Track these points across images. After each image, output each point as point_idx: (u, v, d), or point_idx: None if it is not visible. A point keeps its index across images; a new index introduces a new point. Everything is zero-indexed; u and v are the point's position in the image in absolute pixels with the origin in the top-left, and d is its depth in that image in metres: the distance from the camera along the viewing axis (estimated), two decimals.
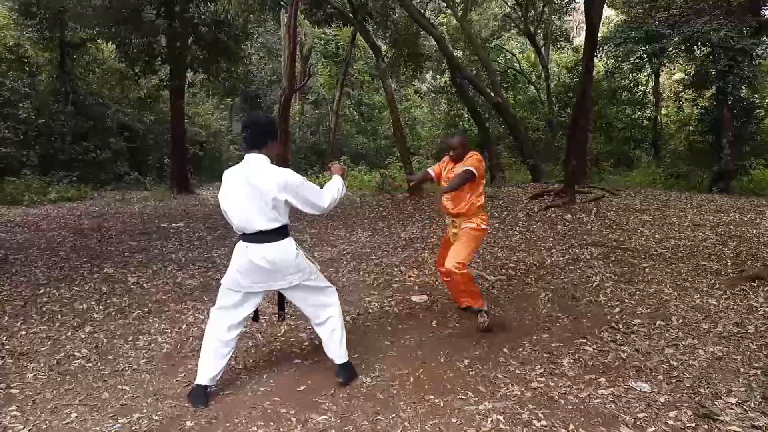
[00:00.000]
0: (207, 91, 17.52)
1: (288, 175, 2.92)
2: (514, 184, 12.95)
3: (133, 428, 2.76)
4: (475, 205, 4.06)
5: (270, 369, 3.46)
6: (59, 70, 16.16)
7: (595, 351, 3.62)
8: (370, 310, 4.57)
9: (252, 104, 25.25)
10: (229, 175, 3.00)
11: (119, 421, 2.85)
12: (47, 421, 2.84)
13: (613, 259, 5.97)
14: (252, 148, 2.96)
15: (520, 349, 3.69)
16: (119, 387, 3.26)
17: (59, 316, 4.55)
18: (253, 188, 2.86)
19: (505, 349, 3.68)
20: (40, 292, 5.22)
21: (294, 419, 2.83)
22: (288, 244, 3.00)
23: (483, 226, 4.13)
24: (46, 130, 15.44)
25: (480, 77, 17.42)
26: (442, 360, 3.54)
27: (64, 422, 2.83)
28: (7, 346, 3.84)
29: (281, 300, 3.40)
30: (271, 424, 2.80)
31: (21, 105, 14.72)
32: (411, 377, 3.29)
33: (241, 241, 3.00)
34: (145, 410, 2.96)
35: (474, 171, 3.93)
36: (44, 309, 4.71)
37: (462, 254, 3.97)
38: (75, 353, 3.76)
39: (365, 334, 4.06)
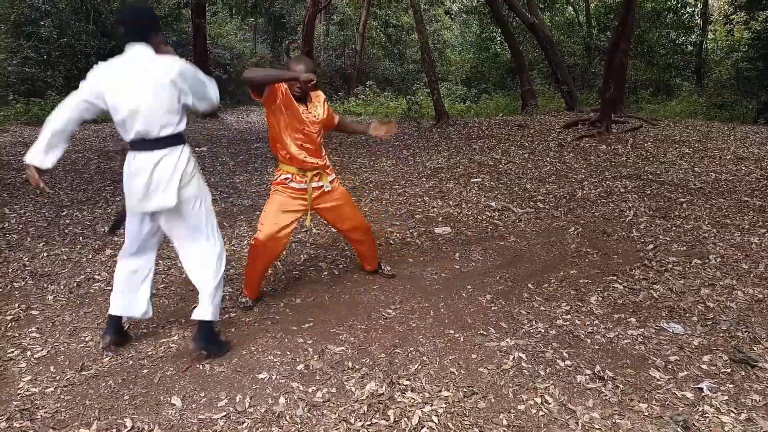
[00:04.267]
0: (229, 10, 16.87)
1: (182, 61, 2.49)
2: (547, 112, 12.43)
3: (149, 353, 2.75)
4: None
5: (288, 299, 3.41)
6: None
7: (626, 289, 3.46)
8: (391, 241, 4.45)
9: (276, 24, 24.42)
10: (113, 69, 2.43)
11: (134, 343, 2.84)
12: (65, 343, 2.85)
13: (649, 192, 5.69)
14: (135, 39, 2.45)
15: (546, 285, 3.55)
16: None
17: (81, 238, 4.55)
18: (155, 81, 2.39)
19: (529, 285, 3.55)
20: (63, 213, 5.23)
21: (311, 349, 2.78)
22: (187, 151, 2.55)
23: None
24: (69, 50, 15.17)
25: None
26: (463, 294, 3.43)
27: (81, 345, 2.83)
28: (29, 267, 3.86)
29: (122, 217, 2.83)
30: (288, 353, 2.75)
31: (42, 23, 14.43)
32: (431, 311, 3.20)
33: (130, 151, 2.50)
34: (162, 336, 2.94)
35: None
36: (66, 231, 4.72)
37: (360, 213, 3.51)
38: (95, 276, 3.76)
39: (385, 265, 3.95)
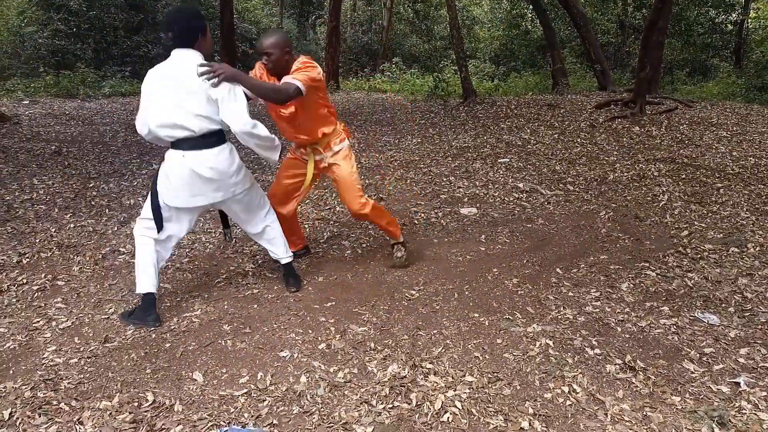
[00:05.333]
0: None
1: (232, 90, 2.59)
2: (579, 92, 12.11)
3: (172, 327, 2.74)
4: (329, 119, 3.13)
5: (311, 276, 3.37)
6: None
7: (659, 277, 3.34)
8: (415, 221, 4.38)
9: None
10: (156, 73, 2.59)
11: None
12: (90, 315, 2.86)
13: (684, 177, 5.49)
14: (182, 45, 2.56)
15: (575, 270, 3.45)
16: (162, 285, 3.23)
17: (107, 210, 4.58)
18: (190, 85, 2.51)
19: (558, 269, 3.45)
20: (90, 185, 5.27)
21: (333, 329, 2.75)
22: (230, 150, 2.71)
23: (346, 141, 3.25)
24: (98, 23, 15.26)
25: None
26: (489, 277, 3.35)
27: (104, 317, 2.84)
28: (56, 238, 3.89)
29: (224, 218, 3.10)
30: (310, 332, 2.72)
31: None
32: (455, 293, 3.13)
33: (172, 150, 2.63)
34: (185, 310, 2.94)
35: (300, 86, 2.73)
36: (93, 203, 4.75)
37: (356, 188, 3.19)
38: (120, 248, 3.77)
39: (408, 245, 3.89)
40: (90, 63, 14.60)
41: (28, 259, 3.52)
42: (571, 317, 2.86)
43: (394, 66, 19.78)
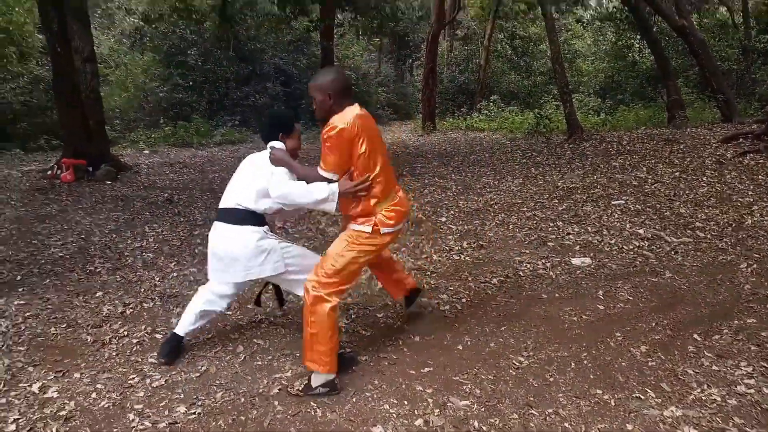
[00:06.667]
0: (356, 30, 17.36)
1: (276, 169, 2.66)
2: (699, 125, 11.09)
3: (261, 391, 2.59)
4: (365, 203, 2.54)
5: (406, 336, 3.12)
6: (221, 17, 16.96)
7: None
8: (520, 273, 4.01)
9: (400, 43, 24.81)
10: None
11: (247, 377, 2.71)
12: (183, 372, 2.79)
13: None
14: (267, 140, 2.82)
15: (717, 337, 2.92)
16: (254, 340, 3.15)
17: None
18: (252, 166, 2.79)
19: (695, 336, 2.94)
20: (196, 233, 5.43)
21: (431, 400, 2.46)
22: (251, 233, 2.69)
23: (375, 230, 2.54)
24: (212, 76, 16.49)
25: None
26: (611, 343, 2.91)
27: (197, 375, 2.75)
28: (159, 288, 3.96)
29: (278, 291, 3.11)
30: (405, 403, 2.46)
31: (189, 52, 15.81)
32: (572, 362, 2.73)
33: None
34: (275, 370, 2.79)
35: (326, 175, 2.50)
36: (197, 251, 4.85)
37: (325, 269, 2.52)
38: None
39: (514, 302, 3.53)
40: (204, 113, 15.71)
41: (131, 310, 3.59)
42: (719, 399, 2.37)
43: (491, 104, 19.49)
